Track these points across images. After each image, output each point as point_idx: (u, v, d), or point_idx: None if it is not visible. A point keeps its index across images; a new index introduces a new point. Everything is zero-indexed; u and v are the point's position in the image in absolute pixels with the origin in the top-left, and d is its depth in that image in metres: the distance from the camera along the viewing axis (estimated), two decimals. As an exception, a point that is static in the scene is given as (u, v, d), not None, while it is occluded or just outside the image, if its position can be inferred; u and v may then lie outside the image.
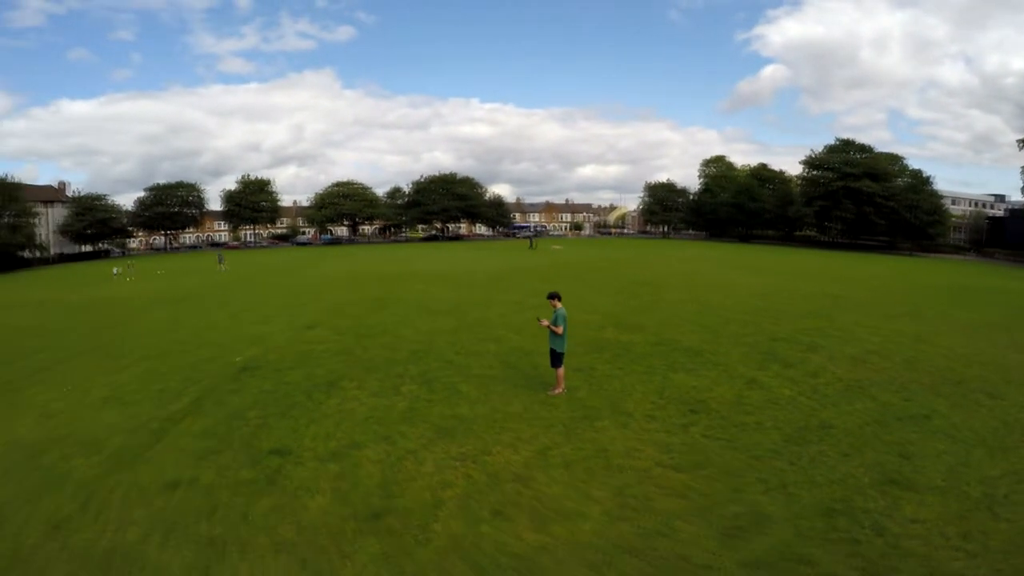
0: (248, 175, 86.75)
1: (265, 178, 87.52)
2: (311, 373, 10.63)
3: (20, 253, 57.57)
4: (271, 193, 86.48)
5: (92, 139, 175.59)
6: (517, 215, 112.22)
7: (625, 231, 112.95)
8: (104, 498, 6.01)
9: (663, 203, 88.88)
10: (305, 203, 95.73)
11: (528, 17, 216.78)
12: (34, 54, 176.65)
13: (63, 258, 66.58)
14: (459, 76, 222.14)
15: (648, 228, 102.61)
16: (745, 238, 77.70)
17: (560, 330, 8.97)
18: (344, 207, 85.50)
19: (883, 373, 10.06)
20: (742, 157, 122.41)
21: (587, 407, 8.49)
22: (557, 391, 9.16)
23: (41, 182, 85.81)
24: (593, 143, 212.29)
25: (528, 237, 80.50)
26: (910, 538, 5.02)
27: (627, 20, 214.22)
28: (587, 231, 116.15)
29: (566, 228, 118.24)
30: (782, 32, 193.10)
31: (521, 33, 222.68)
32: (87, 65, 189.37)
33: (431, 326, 14.98)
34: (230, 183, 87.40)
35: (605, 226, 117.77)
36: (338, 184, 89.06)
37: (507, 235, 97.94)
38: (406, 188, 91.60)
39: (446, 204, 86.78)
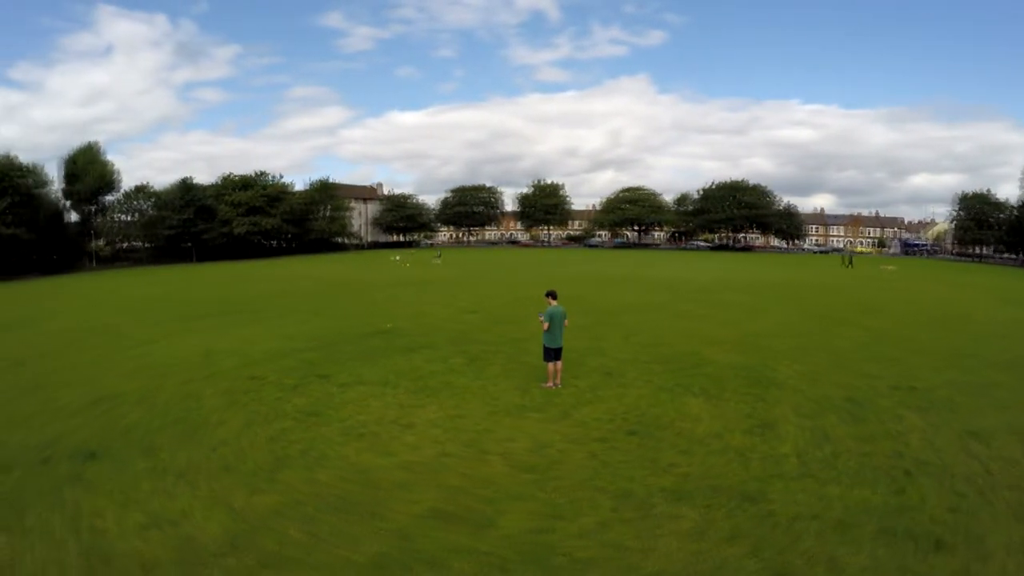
0: (540, 180, 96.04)
1: (557, 183, 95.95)
2: (414, 340, 13.77)
3: (336, 239, 76.95)
4: (563, 197, 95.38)
5: (421, 145, 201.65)
6: (818, 228, 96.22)
7: (935, 251, 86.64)
8: (219, 376, 10.62)
9: (978, 219, 65.38)
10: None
11: (848, 8, 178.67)
12: (367, 73, 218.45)
13: (374, 245, 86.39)
14: (777, 76, 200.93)
15: (960, 248, 77.30)
16: None
17: (547, 327, 9.65)
18: (628, 212, 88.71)
19: (979, 461, 6.92)
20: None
21: (548, 403, 8.97)
22: (547, 385, 9.82)
23: (374, 181, 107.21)
24: (925, 148, 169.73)
25: (841, 252, 74.20)
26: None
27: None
28: (893, 249, 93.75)
29: (872, 244, 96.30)
30: None
31: (840, 26, 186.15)
32: (414, 80, 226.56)
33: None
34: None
35: (913, 244, 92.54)
36: (626, 190, 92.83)
37: (799, 248, 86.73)
38: (695, 195, 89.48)
39: (731, 213, 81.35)
